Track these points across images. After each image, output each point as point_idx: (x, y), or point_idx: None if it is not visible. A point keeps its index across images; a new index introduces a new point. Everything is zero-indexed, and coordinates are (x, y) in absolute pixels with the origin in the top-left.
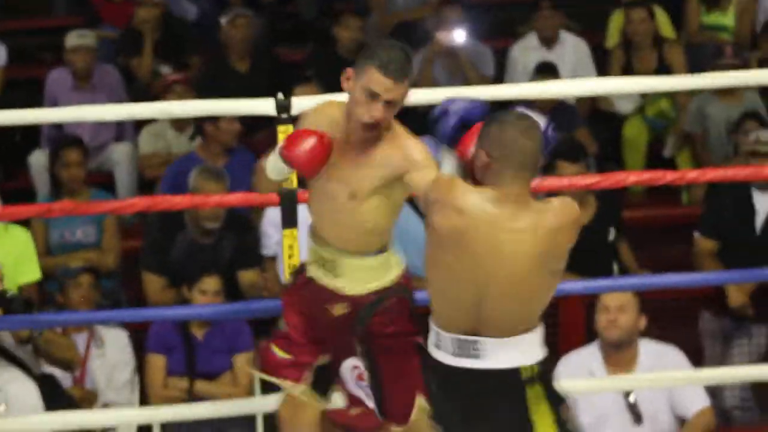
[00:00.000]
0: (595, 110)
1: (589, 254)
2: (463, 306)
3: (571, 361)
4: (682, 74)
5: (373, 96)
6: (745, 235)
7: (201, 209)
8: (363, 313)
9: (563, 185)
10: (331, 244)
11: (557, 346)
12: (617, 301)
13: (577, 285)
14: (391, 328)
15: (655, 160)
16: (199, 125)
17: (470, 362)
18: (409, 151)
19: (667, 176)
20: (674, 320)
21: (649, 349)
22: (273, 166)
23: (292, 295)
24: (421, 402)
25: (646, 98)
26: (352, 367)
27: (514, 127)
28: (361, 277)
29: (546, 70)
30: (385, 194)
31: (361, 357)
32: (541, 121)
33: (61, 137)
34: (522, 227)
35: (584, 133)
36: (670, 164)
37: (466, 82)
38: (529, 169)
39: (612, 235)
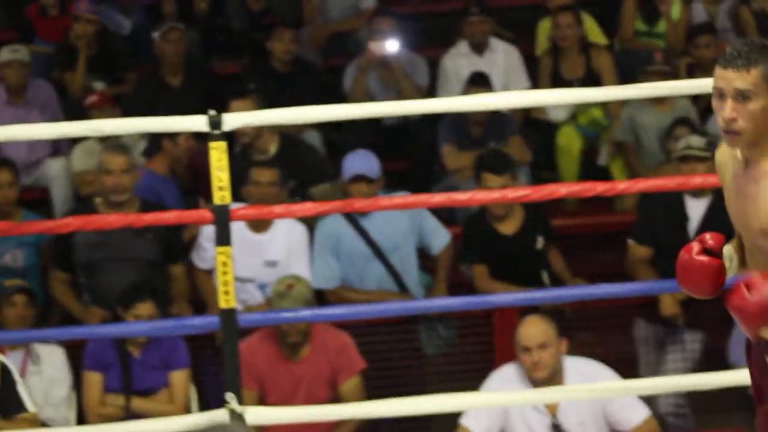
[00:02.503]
0: (528, 118)
1: (516, 264)
2: None
3: (500, 376)
4: (612, 81)
5: (720, 94)
6: (678, 242)
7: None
8: None
9: (494, 199)
10: None
11: (494, 357)
12: (536, 339)
13: (508, 296)
14: None
15: (590, 167)
16: (155, 140)
17: None
18: None
19: (597, 187)
20: (608, 327)
21: (574, 367)
22: None
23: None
24: None
25: (579, 106)
26: None
27: None
28: None
29: (478, 81)
30: None
31: None
32: None
33: None
34: None
35: (518, 141)
36: (605, 172)
37: (401, 92)
38: None
39: (540, 243)
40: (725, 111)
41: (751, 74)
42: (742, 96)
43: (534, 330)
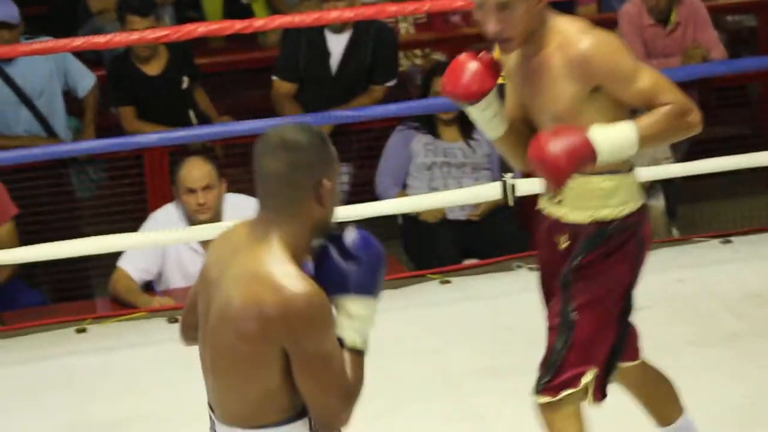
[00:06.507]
0: None
1: (163, 104)
2: (201, 353)
3: (159, 218)
4: None
5: (481, 6)
6: (321, 77)
7: None
8: (578, 248)
9: (133, 40)
10: None
11: (146, 198)
12: (201, 182)
13: (155, 136)
14: (602, 270)
15: (234, 5)
16: None
17: None
18: (578, 59)
19: (235, 25)
20: None
21: (231, 203)
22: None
23: (536, 242)
24: (589, 377)
25: None
26: None
27: (263, 143)
28: (583, 203)
29: None
30: (595, 108)
31: (562, 294)
32: None
33: None
34: (233, 275)
35: None
36: (248, 10)
37: None
38: (275, 199)
39: (186, 83)
40: (490, 25)
41: None
42: (502, 6)
43: (198, 172)
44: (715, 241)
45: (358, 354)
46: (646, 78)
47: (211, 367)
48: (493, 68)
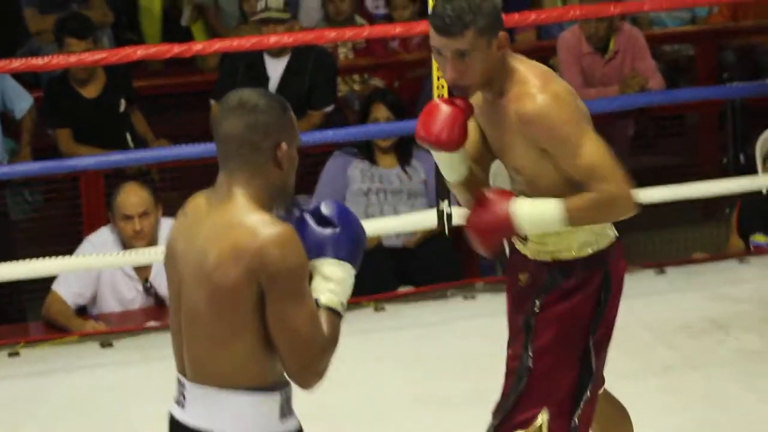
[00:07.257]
0: None
1: (100, 127)
2: (174, 327)
3: (94, 241)
4: None
5: (439, 53)
6: None
7: None
8: (539, 288)
9: (71, 63)
10: None
11: (82, 221)
12: (138, 208)
13: (92, 159)
14: (564, 310)
15: (173, 27)
16: None
17: (175, 410)
18: (525, 118)
19: (174, 49)
20: (194, 186)
21: (167, 228)
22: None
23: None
24: (541, 420)
25: None
26: None
27: (221, 108)
28: (545, 243)
29: None
30: (553, 164)
31: (523, 337)
32: None
33: None
34: (205, 236)
35: (100, 3)
36: (187, 32)
37: None
38: (234, 161)
39: (123, 106)
40: (448, 72)
41: (466, 36)
42: (461, 55)
43: (135, 199)
44: (650, 272)
45: (335, 314)
46: (588, 155)
47: (188, 329)
48: (468, 115)
